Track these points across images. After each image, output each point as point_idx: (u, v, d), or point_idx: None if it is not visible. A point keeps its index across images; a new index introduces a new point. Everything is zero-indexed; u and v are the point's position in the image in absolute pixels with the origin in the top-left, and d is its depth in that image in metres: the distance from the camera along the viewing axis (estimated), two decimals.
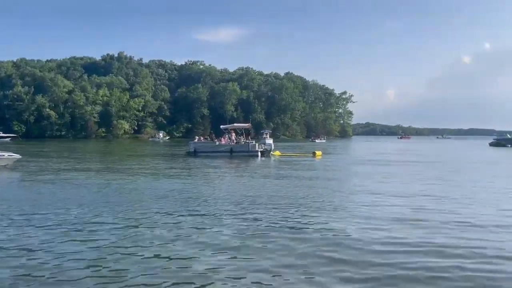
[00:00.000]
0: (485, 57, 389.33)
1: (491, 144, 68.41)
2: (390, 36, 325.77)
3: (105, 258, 6.98)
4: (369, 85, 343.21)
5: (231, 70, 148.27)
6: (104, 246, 7.63)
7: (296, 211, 11.03)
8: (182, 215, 10.36)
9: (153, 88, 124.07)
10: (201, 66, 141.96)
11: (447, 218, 10.19)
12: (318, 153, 39.43)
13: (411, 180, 18.70)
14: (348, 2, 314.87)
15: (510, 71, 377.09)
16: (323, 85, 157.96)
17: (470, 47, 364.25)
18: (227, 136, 38.96)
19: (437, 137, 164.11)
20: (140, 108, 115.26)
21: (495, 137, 75.91)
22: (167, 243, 7.87)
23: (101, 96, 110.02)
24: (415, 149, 56.86)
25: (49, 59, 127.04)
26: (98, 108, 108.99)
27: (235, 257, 7.09)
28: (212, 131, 48.39)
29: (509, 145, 64.20)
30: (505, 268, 6.61)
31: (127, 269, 6.42)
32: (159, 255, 7.20)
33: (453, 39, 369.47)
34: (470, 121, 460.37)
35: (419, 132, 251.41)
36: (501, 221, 9.98)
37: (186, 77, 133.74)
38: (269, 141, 43.71)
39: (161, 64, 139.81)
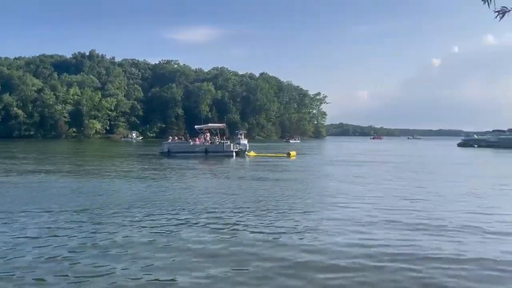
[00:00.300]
0: (453, 60, 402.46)
1: (459, 145, 70.60)
2: (363, 38, 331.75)
3: (64, 264, 6.75)
4: (342, 86, 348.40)
5: (205, 70, 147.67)
6: (68, 251, 7.38)
7: (271, 214, 10.79)
8: (152, 219, 10.01)
9: (126, 87, 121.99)
10: (175, 66, 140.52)
11: (418, 219, 10.27)
12: (293, 153, 39.72)
13: (383, 181, 18.75)
14: (323, 4, 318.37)
15: (477, 74, 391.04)
16: (298, 86, 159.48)
17: (440, 50, 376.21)
18: (202, 136, 38.74)
19: (408, 138, 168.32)
20: (113, 108, 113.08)
21: (463, 137, 78.54)
22: (135, 248, 7.64)
23: (72, 95, 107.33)
24: (388, 150, 58.04)
25: (17, 56, 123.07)
26: (69, 107, 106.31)
27: (204, 264, 6.86)
28: (186, 131, 48.01)
29: (476, 146, 66.44)
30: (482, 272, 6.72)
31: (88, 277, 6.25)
32: (124, 259, 7.00)
33: (424, 42, 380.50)
34: (440, 122, 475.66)
35: (390, 133, 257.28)
36: (470, 223, 10.18)
37: (160, 76, 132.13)
38: (244, 141, 43.67)
39: (134, 63, 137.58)
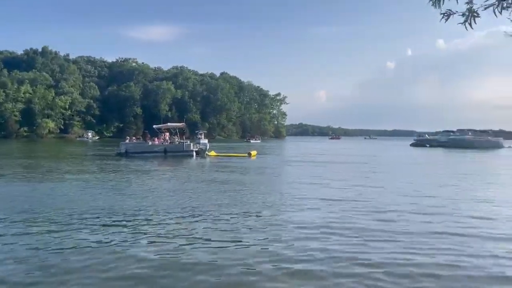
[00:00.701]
0: (407, 63, 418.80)
1: (412, 145, 73.59)
2: (322, 39, 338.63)
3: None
4: (302, 87, 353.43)
5: (165, 68, 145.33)
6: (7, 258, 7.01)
7: (230, 217, 10.39)
8: (102, 225, 9.43)
9: (81, 85, 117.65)
10: (134, 64, 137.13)
11: (374, 221, 10.31)
12: (253, 153, 39.93)
13: (342, 181, 18.92)
14: (284, 5, 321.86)
15: (429, 76, 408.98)
16: (258, 86, 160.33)
17: (395, 53, 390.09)
18: (161, 136, 38.16)
19: (365, 138, 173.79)
20: (67, 106, 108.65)
21: (415, 138, 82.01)
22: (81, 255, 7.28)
23: (23, 93, 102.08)
24: (345, 150, 59.55)
25: None
26: (20, 105, 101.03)
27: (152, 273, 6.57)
28: (147, 131, 47.01)
29: (428, 145, 69.53)
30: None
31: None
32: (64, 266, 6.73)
33: (379, 45, 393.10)
34: (394, 123, 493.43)
35: (347, 133, 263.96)
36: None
37: (117, 74, 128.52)
38: (204, 141, 43.36)
39: (90, 61, 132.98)
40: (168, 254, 7.36)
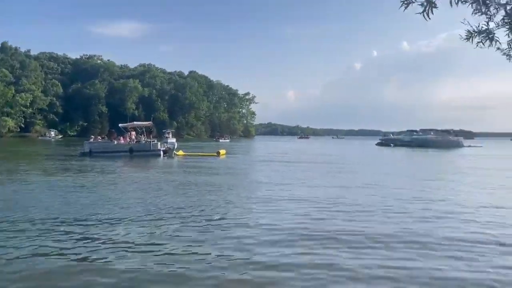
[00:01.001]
0: (373, 64, 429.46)
1: (377, 144, 75.26)
2: (291, 39, 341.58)
3: None
4: (271, 86, 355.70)
5: (131, 66, 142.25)
6: None
7: (193, 221, 9.83)
8: (51, 230, 8.73)
9: (43, 82, 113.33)
10: (99, 61, 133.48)
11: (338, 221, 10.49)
12: (222, 152, 39.70)
13: (310, 181, 18.82)
14: (254, 4, 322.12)
15: (394, 77, 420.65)
16: (227, 85, 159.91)
17: (361, 54, 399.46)
18: (127, 135, 37.27)
19: (332, 137, 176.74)
20: (28, 104, 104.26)
21: (381, 137, 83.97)
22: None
23: None
24: (314, 149, 60.26)
25: None
26: None
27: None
28: (113, 130, 45.75)
29: (392, 145, 71.29)
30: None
31: None
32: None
33: (347, 45, 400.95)
34: (361, 123, 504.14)
35: (315, 133, 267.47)
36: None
37: (81, 72, 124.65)
38: (172, 140, 42.65)
39: (53, 57, 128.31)
40: (123, 261, 6.81)
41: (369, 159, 38.07)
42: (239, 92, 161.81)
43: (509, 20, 4.50)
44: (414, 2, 4.28)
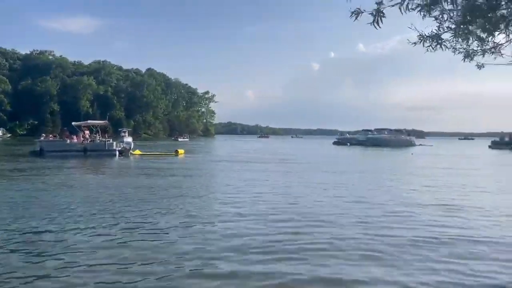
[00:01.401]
0: (330, 64, 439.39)
1: (334, 143, 77.12)
2: (250, 39, 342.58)
3: None
4: (231, 85, 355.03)
5: (86, 63, 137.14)
6: None
7: (148, 227, 9.17)
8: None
9: None
10: (50, 57, 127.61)
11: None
12: (181, 151, 39.26)
13: (270, 180, 18.85)
14: (211, 3, 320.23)
15: (351, 78, 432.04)
16: (186, 84, 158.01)
17: (319, 55, 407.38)
18: (80, 134, 36.11)
19: (292, 137, 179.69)
20: None
21: (337, 137, 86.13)
22: None
23: None
24: (274, 148, 60.80)
25: None
26: None
27: None
28: (66, 128, 44.08)
29: (348, 144, 73.30)
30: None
31: None
32: None
33: (305, 45, 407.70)
34: (319, 122, 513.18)
35: (275, 132, 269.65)
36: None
37: (32, 68, 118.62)
38: (128, 139, 41.51)
39: (1, 52, 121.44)
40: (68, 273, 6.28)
41: (325, 159, 38.91)
42: (198, 90, 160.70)
43: (455, 26, 4.75)
44: (363, 12, 4.45)
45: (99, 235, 8.46)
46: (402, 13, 4.40)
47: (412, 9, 4.40)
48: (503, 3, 4.44)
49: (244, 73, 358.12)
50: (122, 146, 36.47)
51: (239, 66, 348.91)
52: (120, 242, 7.93)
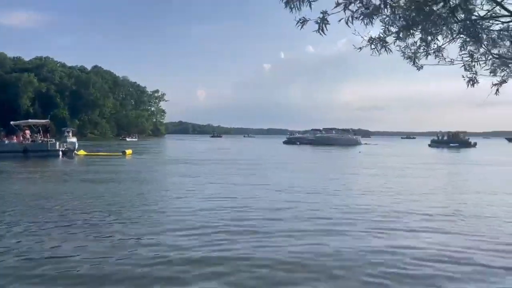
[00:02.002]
0: (281, 65, 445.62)
1: (284, 142, 78.43)
2: (200, 38, 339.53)
3: None
4: (182, 84, 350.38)
5: (26, 59, 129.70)
6: None
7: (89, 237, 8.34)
8: None
9: None
10: None
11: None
12: (129, 151, 38.38)
13: (223, 181, 18.36)
14: (159, 1, 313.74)
15: (301, 78, 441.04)
16: (135, 82, 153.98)
17: (270, 56, 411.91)
18: (20, 134, 34.31)
19: (244, 136, 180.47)
20: None
21: (287, 136, 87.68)
22: None
23: None
24: (227, 148, 60.68)
25: None
26: None
27: None
28: (1, 129, 41.52)
29: (298, 143, 74.86)
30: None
31: None
32: None
33: (257, 46, 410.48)
34: (270, 122, 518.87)
35: (227, 131, 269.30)
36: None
37: None
38: (72, 139, 39.59)
39: None
40: None
41: (277, 158, 39.50)
42: (147, 89, 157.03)
43: (397, 29, 5.08)
44: (309, 20, 4.67)
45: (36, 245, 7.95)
46: (348, 26, 4.64)
47: (356, 18, 4.63)
48: (440, 5, 4.72)
49: (196, 73, 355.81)
50: (65, 146, 35.05)
51: (190, 66, 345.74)
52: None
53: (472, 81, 5.42)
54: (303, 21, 4.70)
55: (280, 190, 15.33)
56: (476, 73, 5.43)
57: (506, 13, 4.78)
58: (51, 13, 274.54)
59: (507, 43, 5.27)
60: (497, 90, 5.51)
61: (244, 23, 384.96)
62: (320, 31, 4.66)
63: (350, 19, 4.62)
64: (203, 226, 9.27)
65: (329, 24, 4.61)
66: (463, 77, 5.42)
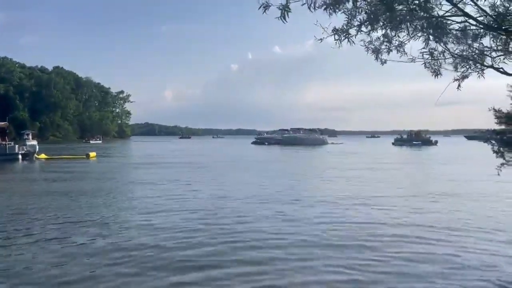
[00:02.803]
0: (249, 66, 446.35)
1: (253, 143, 78.71)
2: (166, 39, 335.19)
3: None
4: (147, 85, 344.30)
5: None
6: None
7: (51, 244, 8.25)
8: None
9: None
10: None
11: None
12: (92, 154, 37.45)
13: (190, 185, 18.05)
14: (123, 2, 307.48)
15: (268, 79, 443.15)
16: (98, 83, 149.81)
17: (237, 56, 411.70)
18: None
19: (213, 137, 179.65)
20: None
21: (256, 136, 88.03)
22: None
23: None
24: (196, 149, 60.17)
25: None
26: None
27: None
28: None
29: (267, 143, 75.31)
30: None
31: None
32: None
33: (224, 46, 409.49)
34: (238, 122, 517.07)
35: (195, 132, 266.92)
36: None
37: None
38: (32, 142, 38.09)
39: None
40: None
41: (245, 157, 39.57)
42: (112, 90, 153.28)
43: (359, 23, 5.13)
44: (271, 6, 4.68)
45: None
46: (311, 11, 4.66)
47: (318, 7, 4.64)
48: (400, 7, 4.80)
49: (162, 73, 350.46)
50: (25, 149, 33.77)
51: (156, 66, 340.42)
52: None
53: (436, 73, 5.59)
54: (265, 6, 4.68)
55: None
56: (440, 65, 5.59)
57: (460, 13, 4.96)
58: (11, 12, 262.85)
59: (467, 42, 5.41)
60: (459, 85, 5.68)
61: (211, 23, 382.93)
62: (282, 18, 4.66)
63: (312, 5, 4.65)
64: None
65: (290, 12, 4.56)
66: (426, 67, 5.48)
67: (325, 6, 4.69)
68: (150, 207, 12.16)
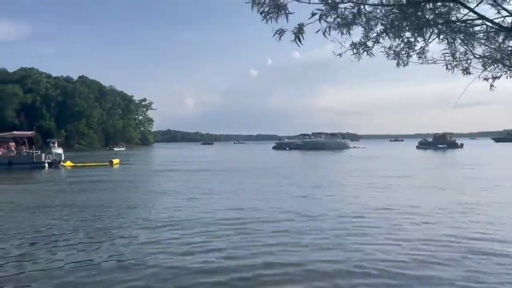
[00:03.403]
0: (268, 71, 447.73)
1: (273, 148, 78.68)
2: (187, 46, 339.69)
3: None
4: (169, 93, 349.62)
5: (10, 70, 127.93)
6: None
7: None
8: None
9: None
10: None
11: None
12: (116, 161, 38.07)
13: (211, 193, 17.19)
14: (145, 9, 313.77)
15: (288, 84, 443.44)
16: (122, 91, 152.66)
17: (257, 62, 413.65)
18: (4, 146, 33.89)
19: (234, 143, 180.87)
20: None
21: (276, 141, 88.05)
22: None
23: None
24: (218, 155, 60.38)
25: None
26: None
27: None
28: None
29: (287, 148, 75.14)
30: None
31: None
32: None
33: (243, 52, 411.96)
34: (259, 128, 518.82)
35: (216, 138, 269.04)
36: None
37: None
38: (58, 150, 38.82)
39: None
40: None
41: (267, 162, 39.31)
42: (134, 98, 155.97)
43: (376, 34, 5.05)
44: (286, 31, 4.67)
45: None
46: (325, 36, 4.64)
47: (333, 29, 4.60)
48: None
49: (183, 81, 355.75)
50: (51, 157, 34.59)
51: (178, 74, 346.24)
52: None
53: (466, 71, 5.44)
54: (280, 32, 4.71)
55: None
56: (469, 64, 5.43)
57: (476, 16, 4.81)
58: (35, 24, 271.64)
59: (495, 43, 5.24)
60: (491, 85, 5.50)
61: (230, 30, 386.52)
62: (297, 40, 4.68)
63: (327, 30, 4.63)
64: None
65: (305, 33, 4.58)
66: (448, 68, 5.33)
67: (339, 27, 4.66)
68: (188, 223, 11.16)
